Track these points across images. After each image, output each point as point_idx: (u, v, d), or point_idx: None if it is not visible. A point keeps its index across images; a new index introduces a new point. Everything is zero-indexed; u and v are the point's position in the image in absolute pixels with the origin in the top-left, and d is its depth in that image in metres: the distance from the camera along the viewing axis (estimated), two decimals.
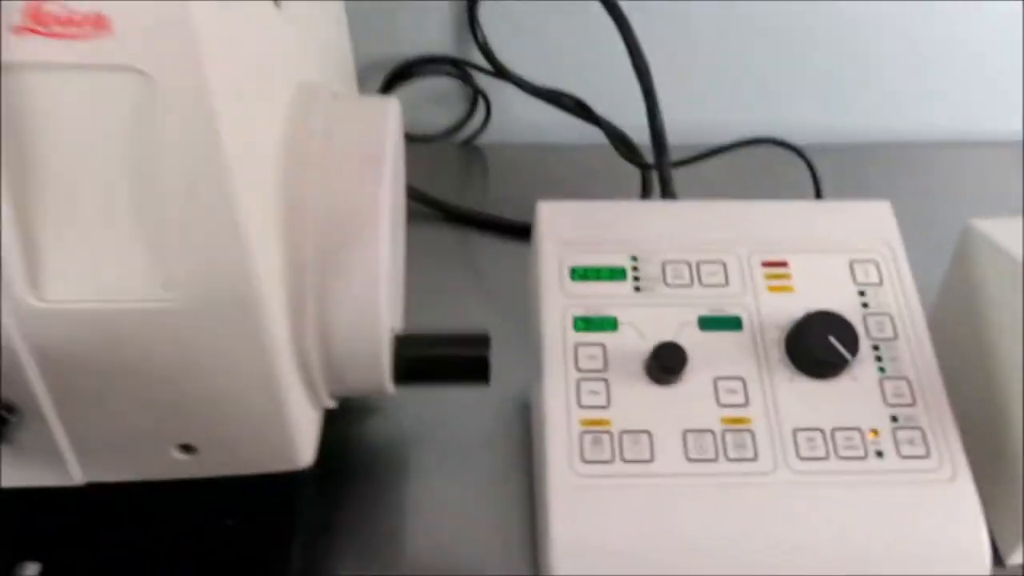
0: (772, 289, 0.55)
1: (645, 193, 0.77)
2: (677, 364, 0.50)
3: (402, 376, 0.49)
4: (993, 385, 0.55)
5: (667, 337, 0.53)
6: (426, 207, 0.78)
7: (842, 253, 0.56)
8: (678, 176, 0.70)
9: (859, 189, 0.81)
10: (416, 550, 0.56)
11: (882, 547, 0.47)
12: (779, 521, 0.48)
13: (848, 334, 0.51)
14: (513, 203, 0.80)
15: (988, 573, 0.47)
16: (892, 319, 0.54)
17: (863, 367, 0.52)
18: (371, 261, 0.43)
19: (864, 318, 0.54)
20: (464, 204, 0.78)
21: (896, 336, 0.54)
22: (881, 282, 0.56)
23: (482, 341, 0.50)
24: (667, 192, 0.69)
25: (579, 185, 0.82)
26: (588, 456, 0.49)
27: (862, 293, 0.55)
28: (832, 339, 0.51)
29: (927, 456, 0.50)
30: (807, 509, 0.48)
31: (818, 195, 0.71)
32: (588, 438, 0.50)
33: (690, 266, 0.56)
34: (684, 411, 0.51)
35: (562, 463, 0.49)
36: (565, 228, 0.57)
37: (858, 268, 0.56)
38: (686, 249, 0.56)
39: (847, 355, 0.50)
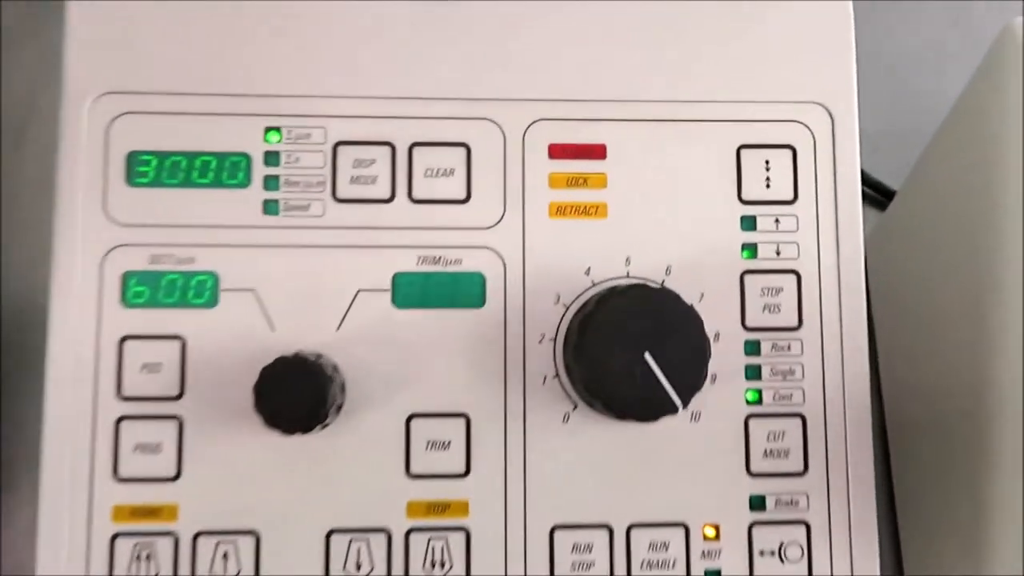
0: (563, 211, 0.27)
1: None
2: (302, 413, 0.24)
3: None
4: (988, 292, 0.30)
5: (322, 323, 0.26)
6: None
7: (726, 126, 0.27)
8: None
9: None
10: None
11: None
12: None
13: (690, 345, 0.25)
14: None
15: None
16: (800, 284, 0.27)
17: (717, 392, 0.26)
18: None
19: (742, 282, 0.27)
20: None
21: (800, 324, 0.27)
22: (795, 197, 0.28)
23: None
24: None
25: None
26: None
27: (750, 223, 0.27)
28: (649, 359, 0.24)
29: None
30: None
31: None
32: (127, 548, 0.25)
33: (394, 153, 0.26)
34: (335, 488, 0.25)
35: None
36: (127, 56, 0.26)
37: (753, 164, 0.27)
38: (391, 110, 0.26)
39: (676, 400, 0.24)
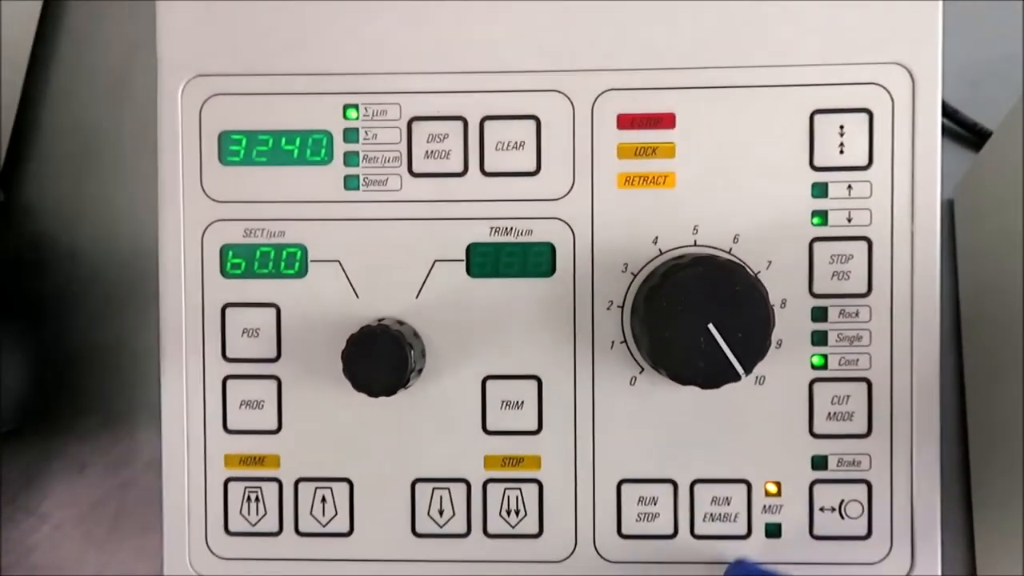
0: (631, 181, 0.27)
1: None
2: (384, 378, 0.26)
3: None
4: None
5: (403, 291, 0.28)
6: None
7: (798, 91, 0.27)
8: None
9: None
10: None
11: None
12: None
13: (753, 317, 0.25)
14: None
15: None
16: (871, 251, 0.27)
17: (782, 357, 0.27)
18: None
19: (811, 249, 0.27)
20: None
21: (869, 290, 0.27)
22: (869, 162, 0.27)
23: None
24: None
25: None
26: (236, 524, 0.28)
27: (821, 190, 0.27)
28: (713, 330, 0.25)
29: (866, 536, 0.27)
30: None
31: None
32: (238, 490, 0.28)
33: (466, 127, 0.28)
34: (419, 442, 0.28)
35: (186, 536, 0.28)
36: (216, 39, 0.28)
37: (826, 129, 0.27)
38: (462, 85, 0.27)
39: (739, 369, 0.25)
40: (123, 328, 0.39)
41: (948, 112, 0.39)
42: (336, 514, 0.28)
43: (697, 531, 0.27)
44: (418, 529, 0.28)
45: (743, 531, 0.27)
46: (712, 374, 0.25)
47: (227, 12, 0.27)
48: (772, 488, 0.27)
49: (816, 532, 0.27)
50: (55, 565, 0.37)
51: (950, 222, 0.40)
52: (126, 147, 0.42)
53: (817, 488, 0.27)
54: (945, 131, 0.40)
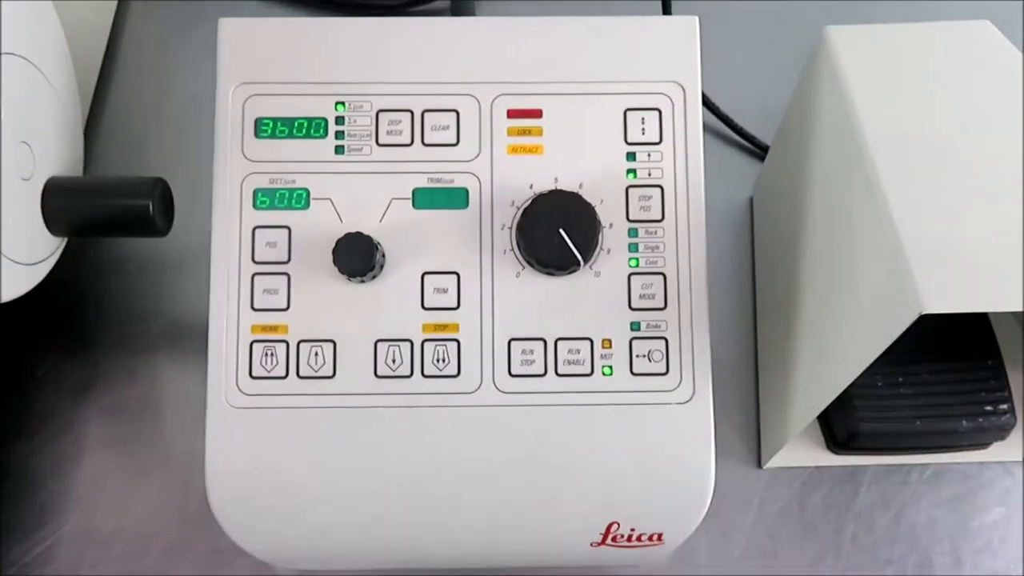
0: (515, 150, 0.43)
1: None
2: (359, 264, 0.41)
3: (56, 227, 0.47)
4: (795, 261, 0.47)
5: (371, 218, 0.43)
6: None
7: (617, 96, 0.44)
8: None
9: None
10: None
11: (598, 475, 0.42)
12: (477, 448, 0.42)
13: (586, 225, 0.41)
14: None
15: (706, 507, 0.43)
16: (663, 193, 0.43)
17: (611, 259, 0.43)
18: None
19: (627, 192, 0.43)
20: None
21: (663, 217, 0.43)
22: (660, 140, 0.44)
23: (148, 189, 0.46)
24: None
25: None
26: (257, 371, 0.42)
27: (632, 156, 0.43)
28: (563, 234, 0.41)
29: (665, 373, 0.43)
30: (511, 434, 0.42)
31: None
32: (259, 349, 0.42)
33: (412, 116, 0.43)
34: (379, 315, 0.43)
35: (223, 379, 0.42)
36: (254, 59, 0.44)
37: (634, 119, 0.44)
38: (411, 90, 0.44)
39: (579, 257, 0.41)
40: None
41: (745, 135, 0.57)
42: (324, 363, 0.42)
43: (560, 371, 0.42)
44: (379, 373, 0.42)
45: (588, 371, 0.42)
46: (563, 263, 0.41)
47: (262, 39, 0.43)
48: (606, 343, 0.42)
49: (634, 371, 0.42)
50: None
51: (751, 211, 0.57)
52: (171, 145, 0.57)
53: (634, 343, 0.42)
54: (742, 148, 0.57)
